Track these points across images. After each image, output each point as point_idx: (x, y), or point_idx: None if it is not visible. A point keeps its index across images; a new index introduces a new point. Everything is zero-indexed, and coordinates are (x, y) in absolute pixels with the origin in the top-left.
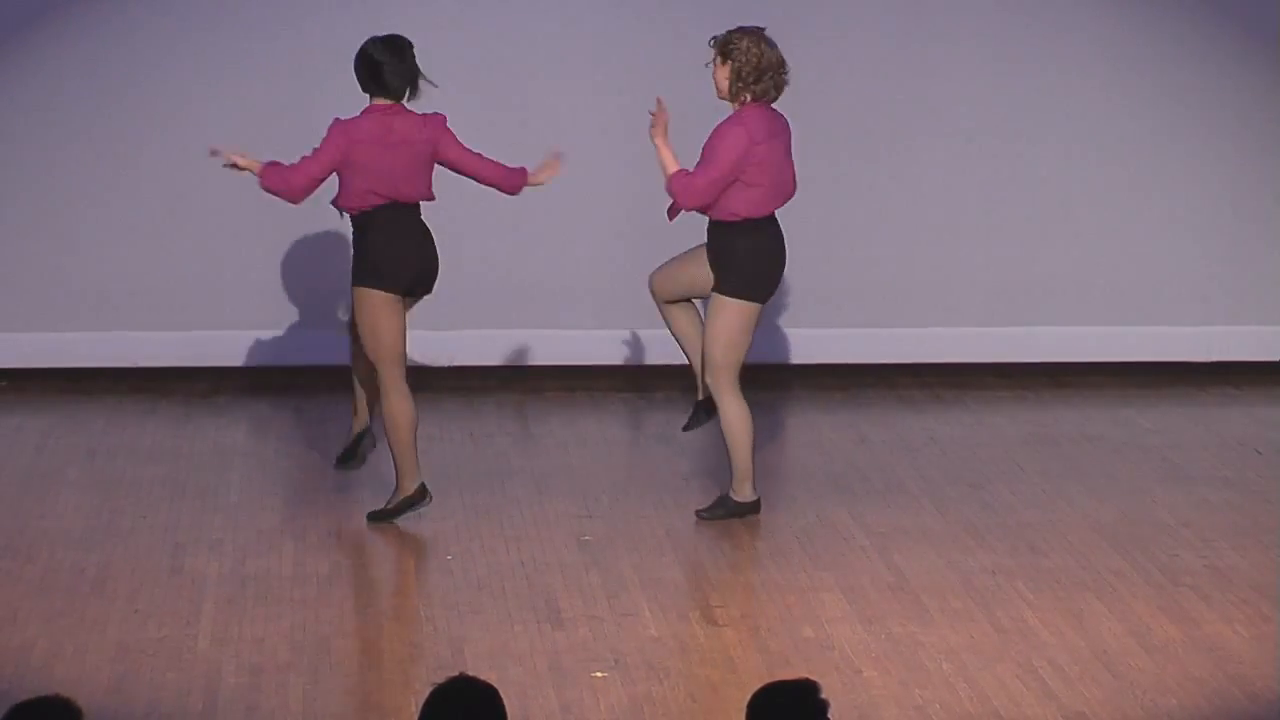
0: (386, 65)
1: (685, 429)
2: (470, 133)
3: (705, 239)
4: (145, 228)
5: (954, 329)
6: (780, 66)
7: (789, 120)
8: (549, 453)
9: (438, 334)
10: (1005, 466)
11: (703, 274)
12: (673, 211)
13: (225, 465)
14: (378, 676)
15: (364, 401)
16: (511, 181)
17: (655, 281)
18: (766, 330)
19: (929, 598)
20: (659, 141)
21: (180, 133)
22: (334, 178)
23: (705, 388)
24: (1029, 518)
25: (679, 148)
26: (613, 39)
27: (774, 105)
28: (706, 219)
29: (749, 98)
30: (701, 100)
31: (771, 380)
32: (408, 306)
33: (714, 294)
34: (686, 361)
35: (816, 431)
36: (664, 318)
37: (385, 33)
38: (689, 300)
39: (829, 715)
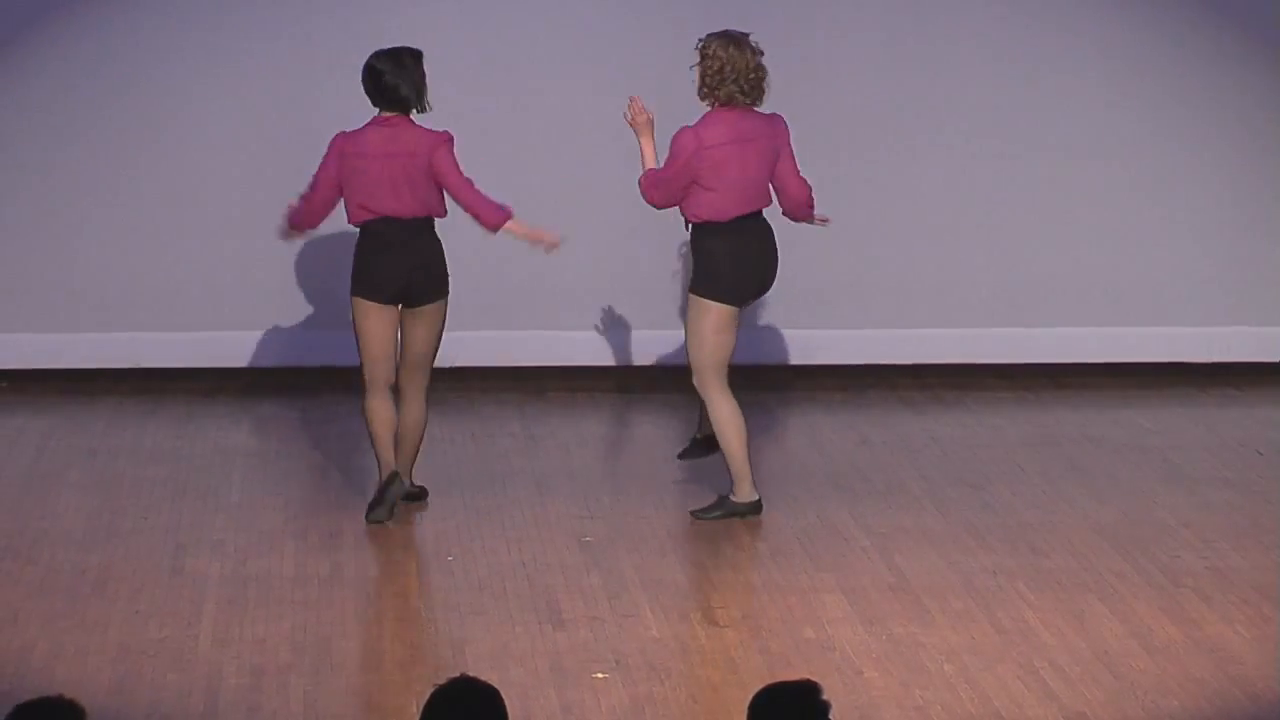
0: (386, 74)
1: (680, 456)
2: (471, 134)
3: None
4: (146, 229)
5: (955, 330)
6: (751, 72)
7: (788, 123)
8: (550, 454)
9: None
10: (1006, 467)
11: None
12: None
13: (226, 466)
14: (379, 677)
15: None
16: (491, 219)
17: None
18: (767, 331)
19: (930, 598)
20: (641, 139)
21: (181, 134)
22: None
23: (705, 427)
24: (1030, 518)
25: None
26: (615, 40)
27: (760, 109)
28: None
29: (715, 102)
30: (701, 102)
31: (772, 381)
32: (415, 314)
33: (689, 294)
34: (687, 362)
35: (817, 432)
36: None
37: (386, 36)
38: None
39: (830, 716)
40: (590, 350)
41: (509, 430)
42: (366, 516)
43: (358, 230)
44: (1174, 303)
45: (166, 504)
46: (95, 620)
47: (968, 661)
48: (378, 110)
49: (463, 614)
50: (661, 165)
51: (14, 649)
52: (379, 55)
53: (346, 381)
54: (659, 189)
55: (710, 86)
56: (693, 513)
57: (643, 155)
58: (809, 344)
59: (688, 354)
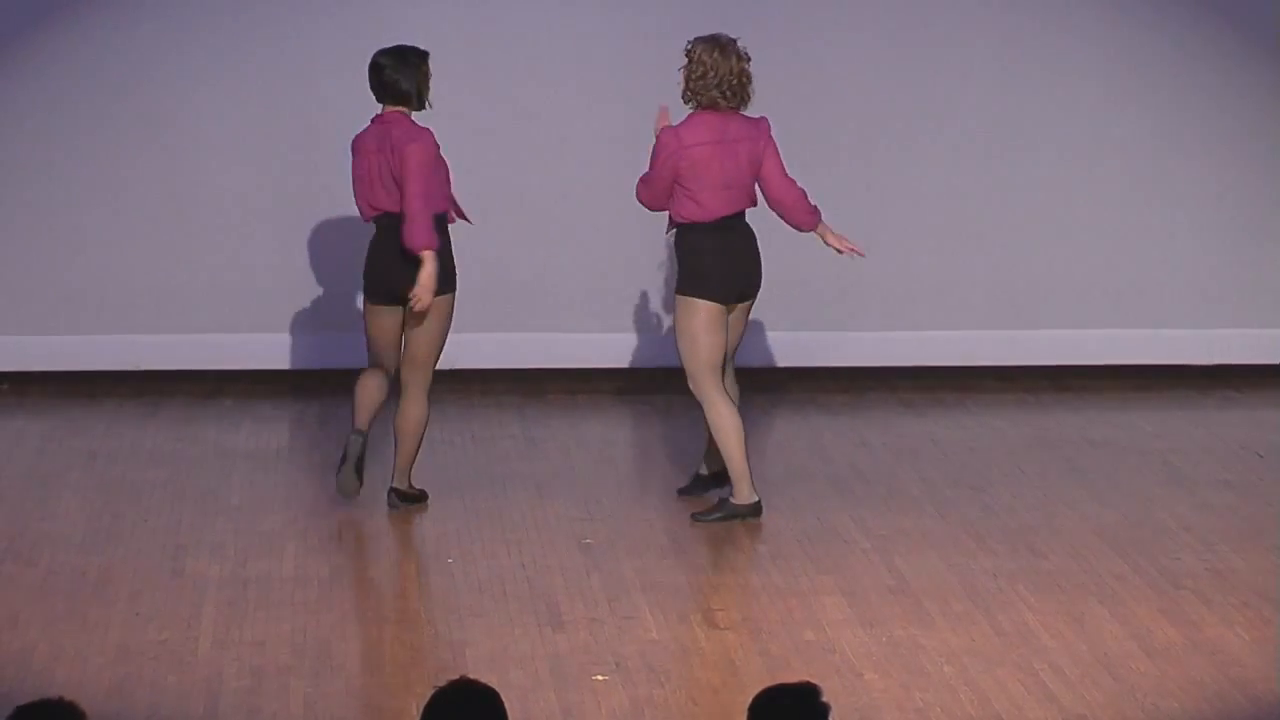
0: (387, 69)
1: (680, 492)
2: (472, 137)
3: None
4: (146, 231)
5: (955, 332)
6: (734, 76)
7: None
8: (550, 456)
9: None
10: (1006, 469)
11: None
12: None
13: (226, 468)
14: (379, 679)
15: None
16: (410, 240)
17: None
18: (767, 334)
19: (930, 601)
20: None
21: (181, 137)
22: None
23: (711, 464)
24: (1030, 520)
25: None
26: (615, 43)
27: (748, 113)
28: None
29: (697, 105)
30: (685, 105)
31: (772, 384)
32: (406, 313)
33: (676, 295)
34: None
35: (817, 435)
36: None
37: (387, 39)
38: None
39: (830, 718)
40: (591, 353)
41: (509, 432)
42: (337, 489)
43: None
44: (1174, 305)
45: (166, 506)
46: (95, 622)
47: (968, 663)
48: (381, 107)
49: (463, 616)
50: (649, 180)
51: (14, 651)
52: (384, 51)
53: (346, 383)
54: (645, 188)
55: (693, 90)
56: (694, 516)
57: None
58: (809, 346)
59: (680, 358)
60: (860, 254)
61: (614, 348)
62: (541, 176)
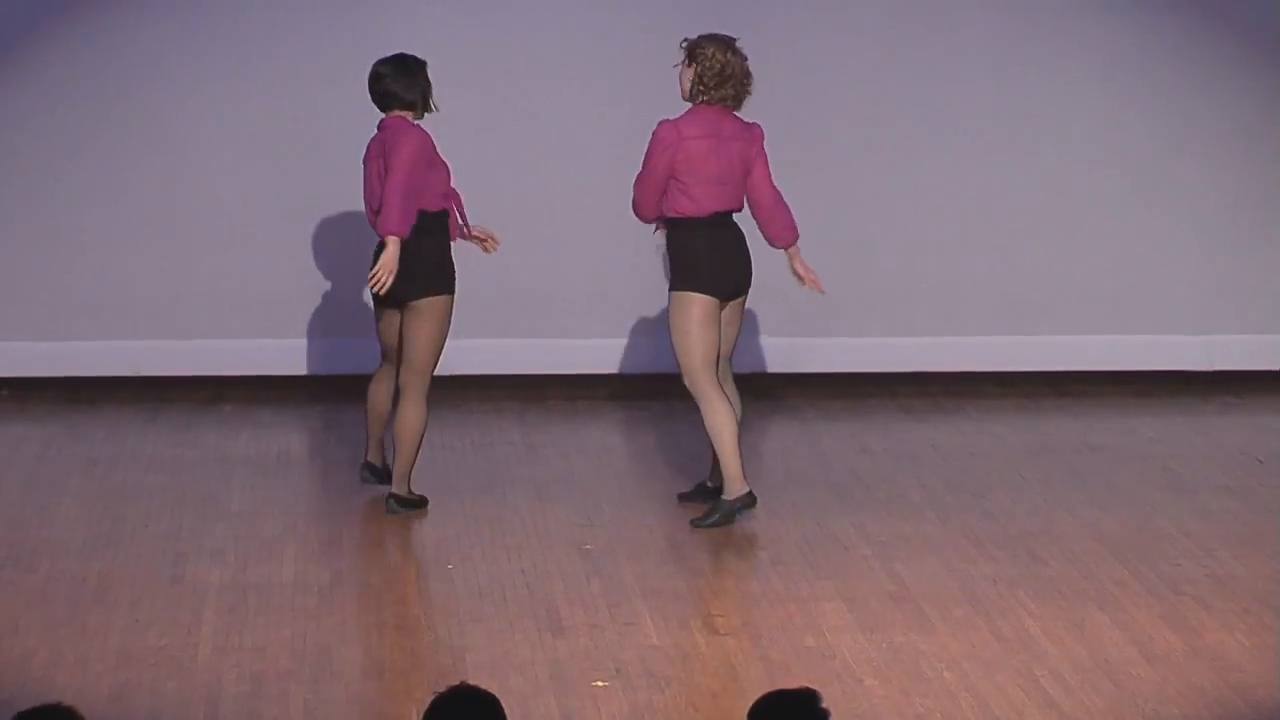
0: (385, 77)
1: (681, 498)
2: (471, 142)
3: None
4: (146, 236)
5: (955, 338)
6: (745, 77)
7: (796, 132)
8: (550, 461)
9: None
10: (1007, 475)
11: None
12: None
13: (226, 474)
14: (379, 685)
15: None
16: (382, 226)
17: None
18: (767, 340)
19: (930, 607)
20: None
21: (181, 142)
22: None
23: (716, 478)
24: (1030, 526)
25: None
26: (615, 48)
27: (741, 115)
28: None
29: (705, 101)
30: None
31: (772, 389)
32: (402, 312)
33: (670, 292)
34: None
35: (818, 440)
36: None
37: (388, 44)
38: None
39: None
40: (591, 358)
41: (509, 438)
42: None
43: None
44: (1174, 311)
45: (166, 512)
46: (95, 628)
47: (968, 669)
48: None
49: (463, 622)
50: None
51: (14, 657)
52: (383, 61)
53: (347, 389)
54: (641, 187)
55: (708, 86)
56: (693, 522)
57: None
58: (809, 352)
59: (675, 355)
60: (821, 291)
61: (614, 353)
62: (540, 182)
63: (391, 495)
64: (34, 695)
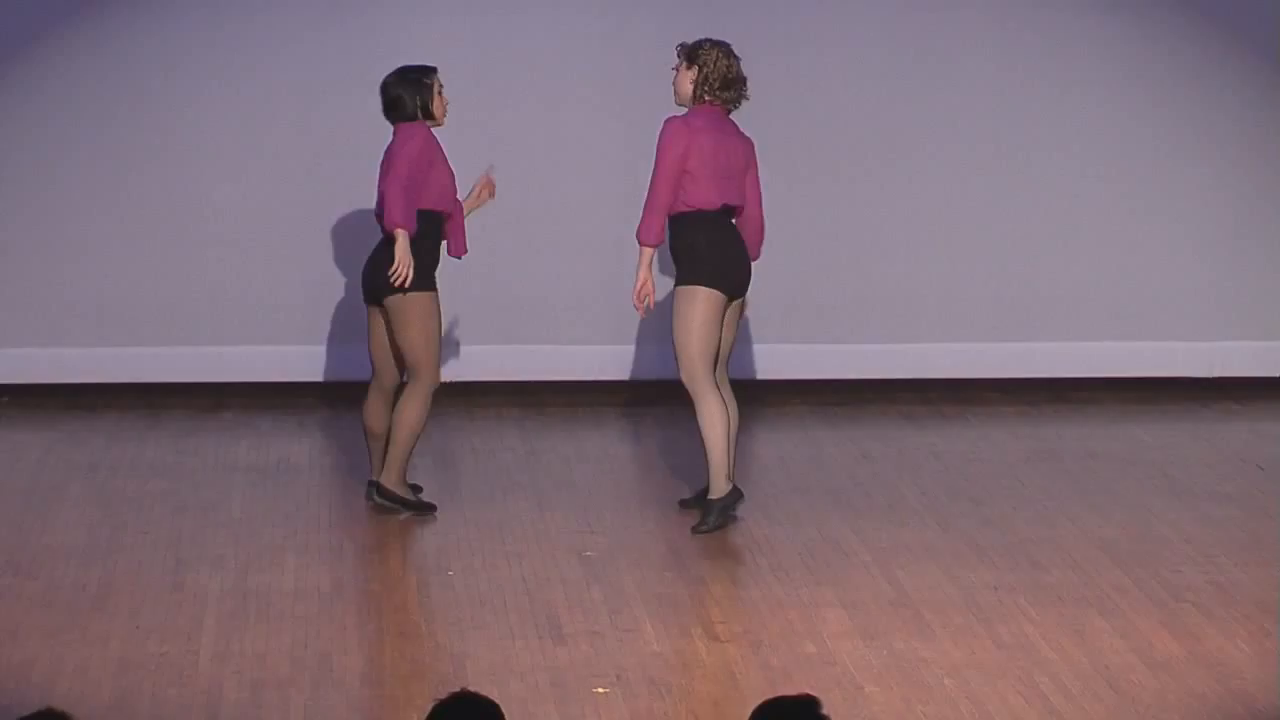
0: (390, 88)
1: (682, 504)
2: (472, 149)
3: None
4: (147, 243)
5: (956, 344)
6: (744, 83)
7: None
8: (551, 468)
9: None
10: (1007, 482)
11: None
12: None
13: (227, 481)
14: (379, 692)
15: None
16: (389, 218)
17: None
18: (768, 346)
19: (931, 613)
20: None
21: (182, 148)
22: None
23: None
24: (1031, 533)
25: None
26: (617, 56)
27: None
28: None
29: (710, 102)
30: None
31: (773, 395)
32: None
33: (677, 287)
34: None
35: (818, 447)
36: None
37: (388, 51)
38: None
39: None
40: (591, 365)
41: (509, 445)
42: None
43: None
44: (1174, 317)
45: (167, 519)
46: (96, 635)
47: (968, 676)
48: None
49: (463, 628)
50: (652, 183)
51: (15, 664)
52: (390, 73)
53: (346, 396)
54: (655, 190)
55: (713, 87)
56: (694, 529)
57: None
58: (810, 358)
59: (675, 350)
60: (642, 311)
61: (614, 360)
62: (541, 189)
63: (372, 481)
64: (35, 702)
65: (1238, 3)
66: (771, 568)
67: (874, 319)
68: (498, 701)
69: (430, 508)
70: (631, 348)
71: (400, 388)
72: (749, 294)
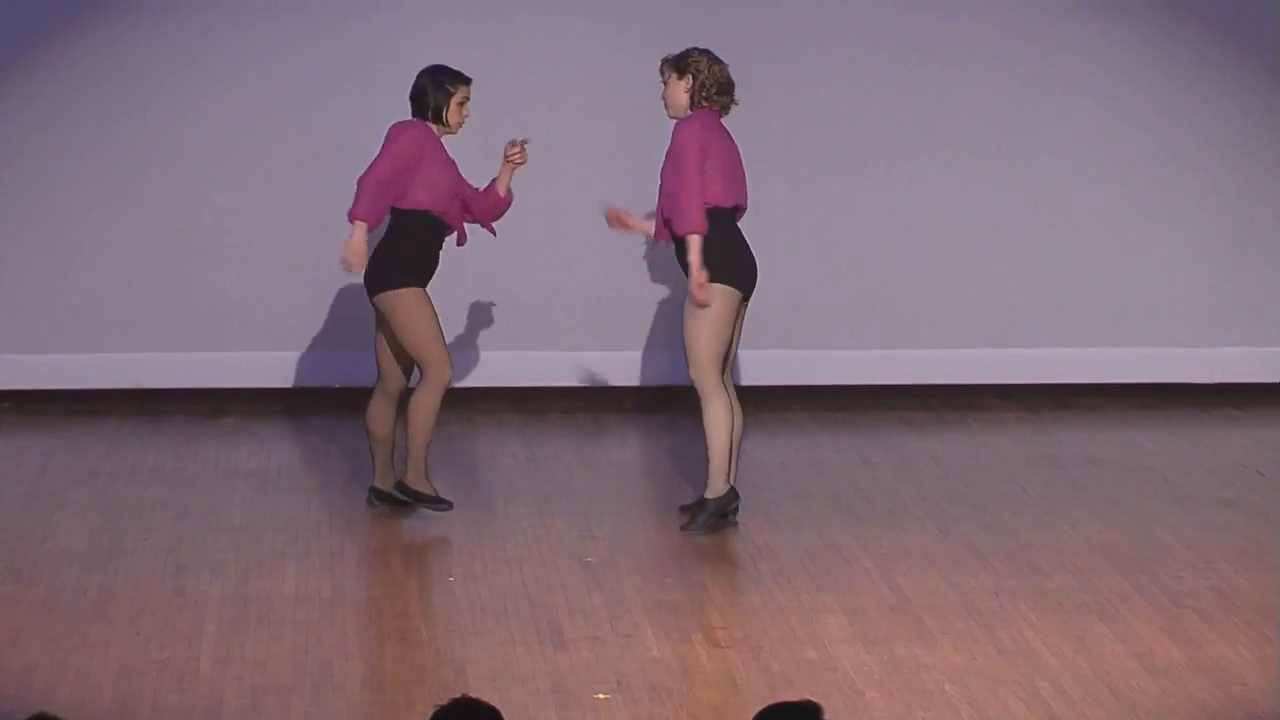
0: (419, 77)
1: (682, 510)
2: (472, 155)
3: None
4: (148, 249)
5: (956, 350)
6: (733, 88)
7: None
8: (551, 474)
9: None
10: (1008, 488)
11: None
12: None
13: (228, 487)
14: (380, 698)
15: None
16: (352, 210)
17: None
18: (768, 352)
19: (931, 619)
20: (634, 229)
21: (182, 154)
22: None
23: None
24: (1032, 539)
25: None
26: (619, 61)
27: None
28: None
29: (708, 107)
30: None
31: (774, 401)
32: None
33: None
34: (690, 382)
35: (819, 453)
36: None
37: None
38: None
39: None
40: (592, 371)
41: (510, 450)
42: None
43: None
44: (1175, 323)
45: (167, 524)
46: (96, 641)
47: (969, 682)
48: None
49: (464, 634)
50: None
51: (15, 669)
52: (429, 66)
53: (348, 402)
54: (687, 188)
55: (710, 94)
56: (682, 528)
57: (644, 230)
58: (810, 364)
59: (686, 348)
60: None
61: (615, 366)
62: (543, 194)
63: (375, 488)
64: (35, 708)
65: (1237, 9)
66: (772, 573)
67: (874, 324)
68: (498, 707)
69: (448, 504)
70: (633, 354)
71: (408, 392)
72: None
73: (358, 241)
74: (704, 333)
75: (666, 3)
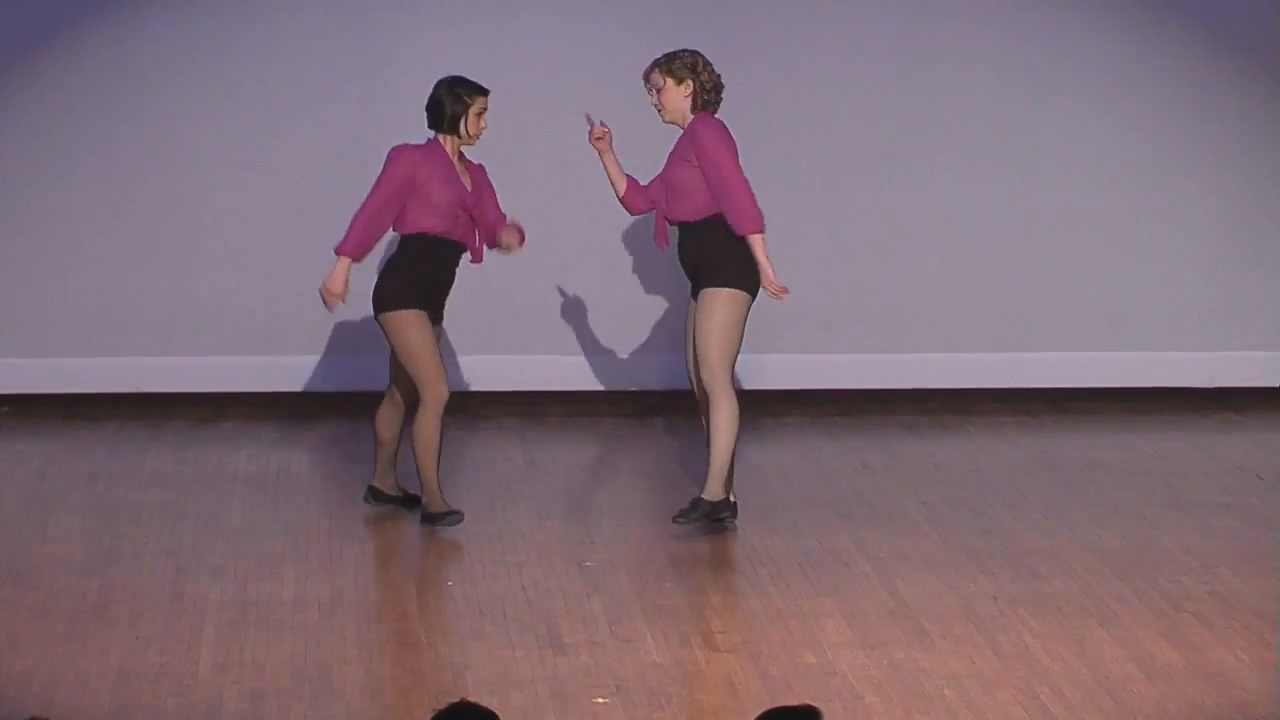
0: (436, 88)
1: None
2: (472, 155)
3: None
4: (148, 253)
5: (956, 354)
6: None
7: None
8: (551, 478)
9: None
10: (1007, 492)
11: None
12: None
13: (227, 491)
14: (379, 703)
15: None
16: (341, 244)
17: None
18: (768, 356)
19: (931, 623)
20: (605, 160)
21: (182, 158)
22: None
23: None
24: (1031, 543)
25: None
26: (619, 65)
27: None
28: (677, 228)
29: (709, 110)
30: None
31: (773, 406)
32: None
33: (707, 290)
34: (690, 386)
35: (818, 457)
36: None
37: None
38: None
39: None
40: (590, 375)
41: (509, 455)
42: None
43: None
44: (1174, 328)
45: (167, 529)
46: (95, 645)
47: (968, 686)
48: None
49: (463, 639)
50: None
51: (14, 674)
52: (447, 78)
53: (347, 406)
54: (737, 185)
55: (704, 98)
56: (674, 518)
57: (609, 175)
58: (810, 369)
59: (701, 350)
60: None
61: (614, 370)
62: (542, 198)
63: (374, 486)
64: (34, 713)
65: (1238, 13)
66: (771, 578)
67: (874, 329)
68: (497, 712)
69: (459, 515)
70: (631, 358)
71: (416, 402)
72: None
73: (337, 274)
74: (717, 336)
75: (666, 7)
